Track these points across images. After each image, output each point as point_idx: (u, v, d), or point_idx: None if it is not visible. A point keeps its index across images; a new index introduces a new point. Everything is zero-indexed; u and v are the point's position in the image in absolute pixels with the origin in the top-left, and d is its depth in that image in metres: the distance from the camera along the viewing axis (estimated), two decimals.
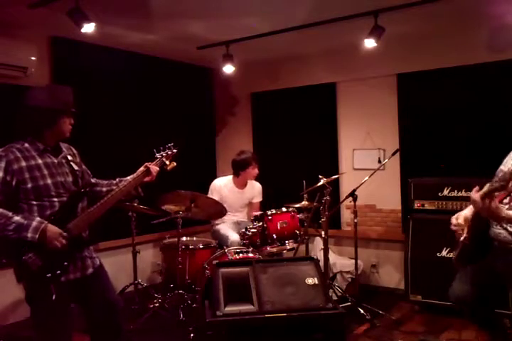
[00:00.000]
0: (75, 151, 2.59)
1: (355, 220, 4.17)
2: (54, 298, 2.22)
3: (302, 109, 5.29)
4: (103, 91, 4.63)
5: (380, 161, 4.36)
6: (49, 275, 2.23)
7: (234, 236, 4.14)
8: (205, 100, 5.83)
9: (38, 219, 2.21)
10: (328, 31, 4.20)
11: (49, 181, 2.29)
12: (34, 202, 2.26)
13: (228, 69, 4.69)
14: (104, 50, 4.63)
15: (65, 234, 2.25)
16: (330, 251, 4.12)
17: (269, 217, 3.93)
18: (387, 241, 4.71)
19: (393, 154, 4.10)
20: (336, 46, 4.80)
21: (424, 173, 4.32)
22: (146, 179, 2.58)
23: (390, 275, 4.79)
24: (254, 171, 4.43)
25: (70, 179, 2.40)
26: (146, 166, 2.59)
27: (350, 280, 4.55)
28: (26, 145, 2.31)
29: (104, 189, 2.59)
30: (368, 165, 4.70)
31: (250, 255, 3.50)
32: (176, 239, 3.94)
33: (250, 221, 4.18)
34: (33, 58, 3.98)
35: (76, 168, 2.47)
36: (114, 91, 4.73)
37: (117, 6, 3.60)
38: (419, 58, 4.41)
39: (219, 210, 3.96)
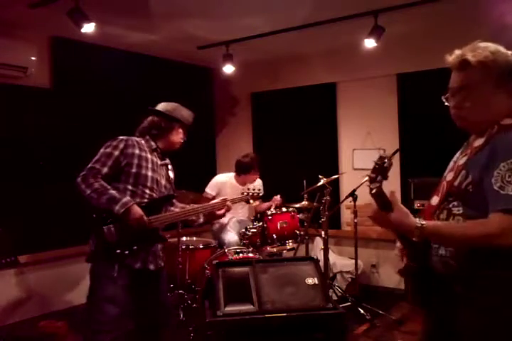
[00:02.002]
0: (171, 167, 2.80)
1: (355, 220, 4.17)
2: (116, 274, 2.37)
3: (302, 109, 5.29)
4: (103, 91, 4.63)
5: None
6: (118, 251, 2.38)
7: (231, 238, 4.13)
8: (205, 100, 5.83)
9: (128, 197, 2.42)
10: (328, 31, 4.20)
11: (149, 173, 2.55)
12: (129, 187, 2.49)
13: (228, 69, 4.70)
14: (104, 50, 4.63)
15: (145, 218, 2.40)
16: (330, 251, 4.12)
17: (269, 217, 3.93)
18: (387, 241, 4.70)
19: (393, 154, 4.08)
20: (336, 46, 4.80)
21: (424, 173, 4.32)
22: (219, 212, 2.77)
23: (390, 276, 4.79)
24: (255, 177, 4.43)
25: (163, 181, 2.65)
26: (226, 201, 2.78)
27: (350, 280, 4.55)
28: (143, 141, 2.63)
29: (177, 209, 2.73)
30: (368, 165, 4.61)
31: (250, 255, 3.50)
32: (176, 239, 3.94)
33: (250, 220, 4.18)
34: (33, 58, 3.98)
35: (171, 176, 2.75)
36: (114, 92, 4.73)
37: (117, 6, 3.61)
38: (419, 58, 4.41)
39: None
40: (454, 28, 4.16)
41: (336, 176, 4.21)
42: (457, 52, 1.63)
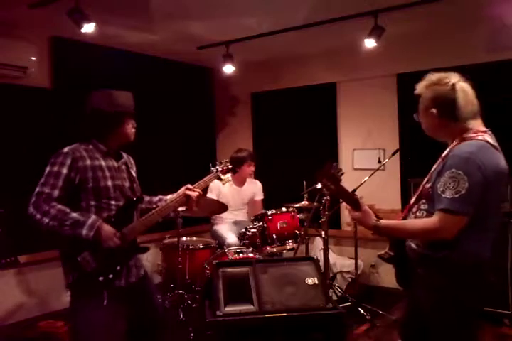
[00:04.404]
0: (132, 161, 2.59)
1: None
2: (105, 303, 2.16)
3: (302, 109, 5.29)
4: None
5: (380, 161, 4.36)
6: (101, 278, 2.18)
7: (231, 239, 4.13)
8: (205, 100, 5.83)
9: (94, 216, 2.18)
10: (328, 31, 4.20)
11: (109, 183, 2.29)
12: (92, 203, 2.25)
13: (228, 69, 4.69)
14: (104, 50, 4.63)
15: (118, 234, 2.22)
16: (330, 251, 4.12)
17: (269, 217, 3.93)
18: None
19: (393, 154, 4.10)
20: (336, 46, 4.80)
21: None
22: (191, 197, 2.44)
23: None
24: (250, 169, 4.44)
25: (127, 184, 2.41)
26: (186, 192, 2.45)
27: (350, 280, 4.56)
28: (91, 146, 2.33)
29: (144, 206, 2.51)
30: (367, 165, 4.70)
31: (250, 255, 3.50)
32: (176, 239, 3.94)
33: (250, 220, 4.18)
34: (33, 58, 3.98)
35: (134, 174, 2.49)
36: None
37: (117, 6, 3.60)
38: (419, 58, 4.41)
39: (219, 207, 3.98)
40: (454, 28, 4.16)
41: None
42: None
